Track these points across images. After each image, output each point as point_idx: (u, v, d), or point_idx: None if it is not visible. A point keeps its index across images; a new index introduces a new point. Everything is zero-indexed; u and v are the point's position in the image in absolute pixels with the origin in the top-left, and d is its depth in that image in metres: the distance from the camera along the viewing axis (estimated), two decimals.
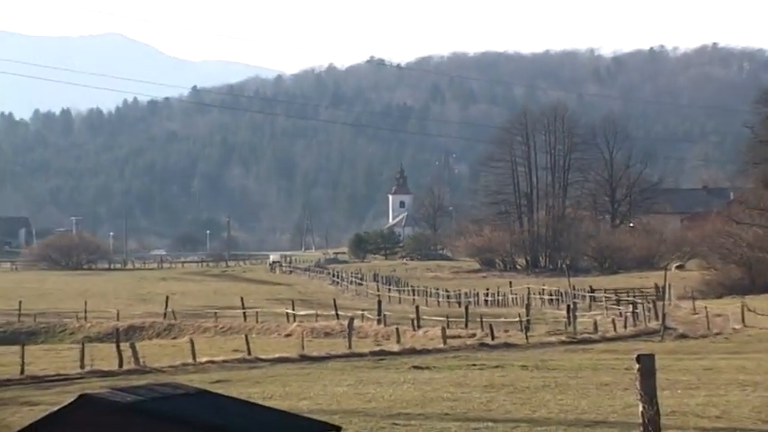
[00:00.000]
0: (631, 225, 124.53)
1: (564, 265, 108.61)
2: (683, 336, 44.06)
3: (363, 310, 57.19)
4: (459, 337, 44.08)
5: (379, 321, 52.69)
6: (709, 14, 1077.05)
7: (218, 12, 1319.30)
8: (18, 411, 20.70)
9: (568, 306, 53.60)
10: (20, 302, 66.86)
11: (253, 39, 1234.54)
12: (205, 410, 6.94)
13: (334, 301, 62.45)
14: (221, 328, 57.55)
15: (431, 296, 79.55)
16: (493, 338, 41.73)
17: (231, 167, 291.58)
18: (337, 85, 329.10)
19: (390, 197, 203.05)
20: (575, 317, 49.45)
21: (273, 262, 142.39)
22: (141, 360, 32.69)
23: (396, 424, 16.39)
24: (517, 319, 48.90)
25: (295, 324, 55.39)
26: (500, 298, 76.20)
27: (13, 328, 63.13)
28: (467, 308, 56.24)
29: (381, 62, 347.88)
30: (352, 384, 23.61)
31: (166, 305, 65.73)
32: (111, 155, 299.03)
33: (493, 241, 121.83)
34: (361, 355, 35.07)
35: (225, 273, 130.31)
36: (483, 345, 39.44)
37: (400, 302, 76.64)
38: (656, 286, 66.88)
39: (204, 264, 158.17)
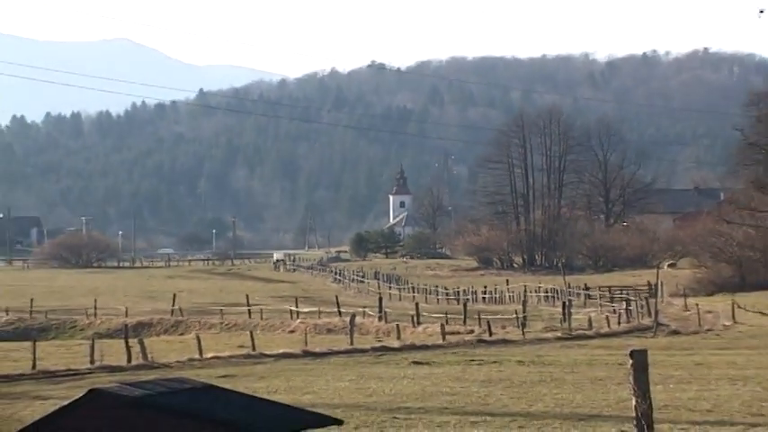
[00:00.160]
0: (625, 224, 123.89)
1: (559, 264, 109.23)
2: (676, 332, 44.28)
3: (365, 307, 56.99)
4: (458, 333, 44.21)
5: (380, 318, 52.89)
6: (701, 20, 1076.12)
7: (224, 17, 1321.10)
8: (30, 405, 20.96)
9: (564, 303, 53.28)
10: (31, 300, 67.12)
11: (257, 44, 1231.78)
12: (212, 405, 6.96)
13: (337, 298, 61.82)
14: (227, 324, 57.44)
15: (430, 294, 79.82)
16: (490, 335, 41.80)
17: (236, 169, 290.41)
18: (339, 89, 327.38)
19: (391, 197, 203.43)
20: (570, 314, 49.32)
21: (277, 260, 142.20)
22: (149, 356, 32.98)
23: (396, 418, 16.54)
24: (514, 315, 48.70)
25: (298, 321, 55.34)
26: (497, 295, 76.19)
27: (25, 324, 63.42)
28: (465, 305, 55.70)
29: (382, 66, 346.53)
30: (353, 379, 23.81)
31: (173, 302, 65.43)
32: (119, 156, 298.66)
33: (490, 240, 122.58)
34: (362, 351, 35.20)
35: (230, 271, 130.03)
36: (481, 341, 39.58)
37: (400, 300, 76.04)
38: (649, 284, 66.87)
39: (210, 262, 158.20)
